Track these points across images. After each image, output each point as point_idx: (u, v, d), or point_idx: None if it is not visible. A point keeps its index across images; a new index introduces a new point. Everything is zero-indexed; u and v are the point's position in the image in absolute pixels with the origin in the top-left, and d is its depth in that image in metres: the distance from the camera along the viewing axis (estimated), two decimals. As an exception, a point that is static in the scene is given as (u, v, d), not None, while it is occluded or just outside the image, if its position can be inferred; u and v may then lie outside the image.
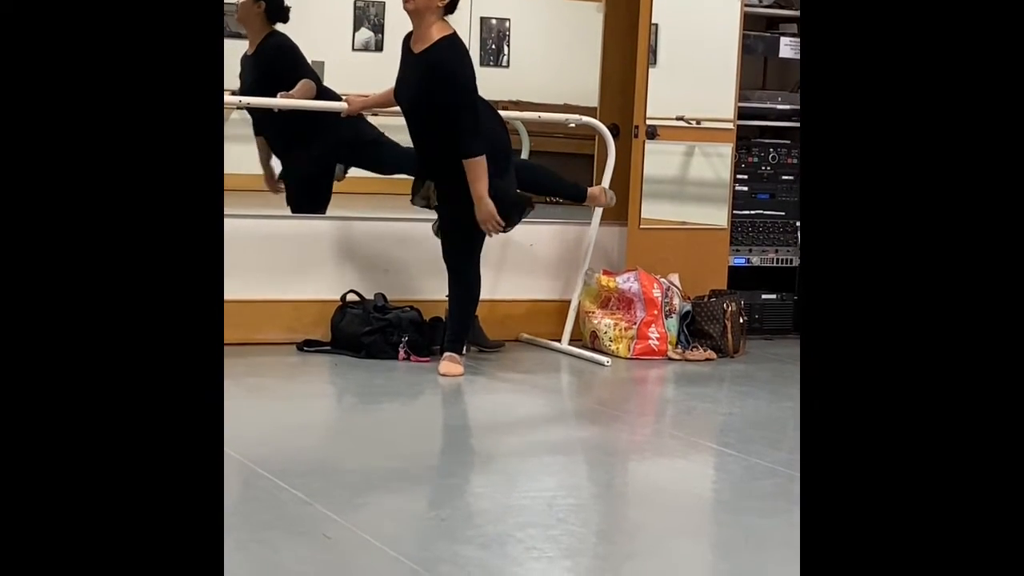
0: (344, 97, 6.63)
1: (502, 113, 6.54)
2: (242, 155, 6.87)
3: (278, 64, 6.76)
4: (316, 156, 6.79)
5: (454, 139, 5.79)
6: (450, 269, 6.11)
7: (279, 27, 6.89)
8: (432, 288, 6.61)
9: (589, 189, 6.79)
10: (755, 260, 7.65)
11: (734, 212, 7.47)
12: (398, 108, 6.14)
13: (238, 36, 7.07)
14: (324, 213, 6.86)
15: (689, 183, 7.59)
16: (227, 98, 6.38)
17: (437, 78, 5.80)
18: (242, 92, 6.83)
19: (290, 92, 6.61)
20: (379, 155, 6.91)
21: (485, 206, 5.82)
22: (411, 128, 6.01)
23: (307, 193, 6.88)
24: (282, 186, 7.00)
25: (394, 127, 6.57)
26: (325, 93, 6.78)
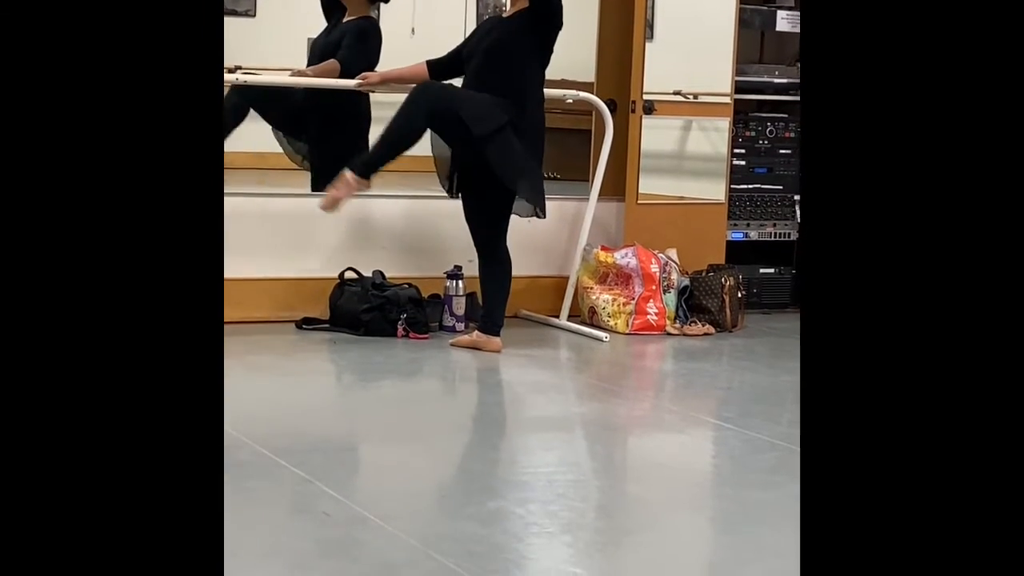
0: (361, 75, 6.57)
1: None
2: (241, 132, 6.86)
3: (346, 40, 6.75)
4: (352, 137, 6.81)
5: (515, 91, 5.92)
6: (483, 250, 6.08)
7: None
8: (430, 265, 6.61)
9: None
10: (753, 234, 7.65)
11: (732, 186, 7.47)
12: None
13: (234, 13, 7.06)
14: None
15: (686, 158, 7.58)
16: (227, 76, 6.36)
17: (541, 11, 5.91)
18: (312, 53, 6.90)
19: (305, 69, 6.66)
20: None
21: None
22: (472, 77, 6.06)
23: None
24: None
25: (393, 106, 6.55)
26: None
